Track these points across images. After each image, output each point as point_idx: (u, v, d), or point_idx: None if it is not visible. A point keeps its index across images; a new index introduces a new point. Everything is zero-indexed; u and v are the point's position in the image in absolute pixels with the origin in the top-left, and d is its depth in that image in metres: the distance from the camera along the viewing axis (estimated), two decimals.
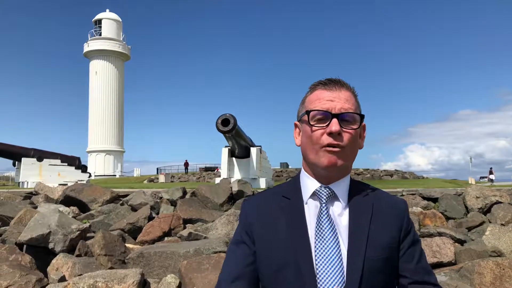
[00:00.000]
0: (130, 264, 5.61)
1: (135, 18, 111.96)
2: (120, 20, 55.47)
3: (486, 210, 8.32)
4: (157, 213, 8.32)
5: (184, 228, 7.43)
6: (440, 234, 6.66)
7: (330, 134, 1.10)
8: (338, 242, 1.09)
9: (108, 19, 54.01)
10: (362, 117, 1.16)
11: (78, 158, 22.90)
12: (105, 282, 4.42)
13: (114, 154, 52.66)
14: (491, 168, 34.85)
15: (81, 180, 19.13)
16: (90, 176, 27.66)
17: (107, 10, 54.92)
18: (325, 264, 1.06)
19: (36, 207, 8.44)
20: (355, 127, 1.13)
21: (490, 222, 7.61)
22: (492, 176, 33.73)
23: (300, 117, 1.22)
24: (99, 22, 53.90)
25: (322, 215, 1.12)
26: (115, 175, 47.34)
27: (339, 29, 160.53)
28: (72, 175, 21.50)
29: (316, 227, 1.11)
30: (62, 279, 5.06)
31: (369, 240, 1.10)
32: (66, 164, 21.87)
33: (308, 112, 1.14)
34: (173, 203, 9.02)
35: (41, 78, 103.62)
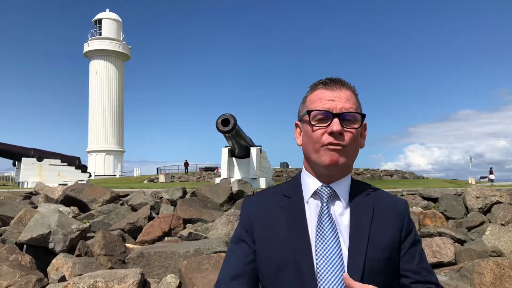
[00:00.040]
0: (130, 264, 5.61)
1: (135, 18, 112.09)
2: (120, 20, 55.46)
3: (486, 210, 8.32)
4: (157, 213, 8.32)
5: (184, 228, 7.43)
6: (440, 234, 6.66)
7: (332, 133, 1.10)
8: (339, 241, 1.09)
9: (108, 19, 54.00)
10: (363, 116, 1.16)
11: (78, 158, 22.92)
12: (105, 282, 4.42)
13: (114, 154, 52.65)
14: (491, 168, 34.92)
15: (81, 180, 19.14)
16: (90, 176, 27.68)
17: (107, 10, 54.97)
18: (326, 264, 1.06)
19: (36, 207, 8.43)
20: (356, 126, 1.13)
21: (490, 222, 7.61)
22: (492, 176, 33.75)
23: (301, 117, 1.21)
24: (99, 22, 53.89)
25: (323, 215, 1.12)
26: (115, 175, 47.33)
27: (339, 29, 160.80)
28: (72, 175, 21.50)
29: (317, 226, 1.11)
30: (62, 279, 5.06)
31: (370, 240, 1.10)
32: (66, 164, 21.87)
33: (309, 112, 1.14)
34: (173, 203, 9.02)
35: (41, 78, 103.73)
